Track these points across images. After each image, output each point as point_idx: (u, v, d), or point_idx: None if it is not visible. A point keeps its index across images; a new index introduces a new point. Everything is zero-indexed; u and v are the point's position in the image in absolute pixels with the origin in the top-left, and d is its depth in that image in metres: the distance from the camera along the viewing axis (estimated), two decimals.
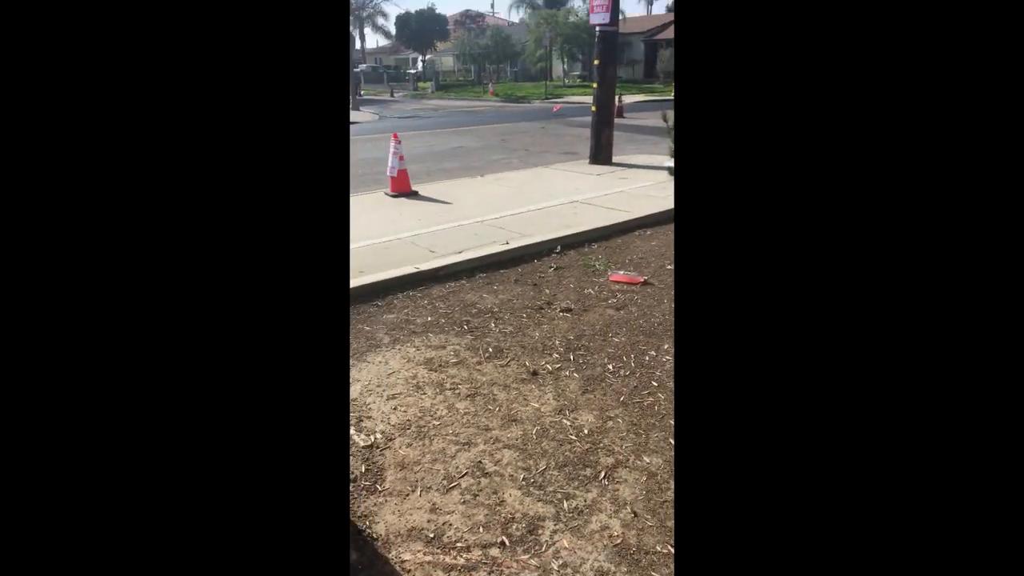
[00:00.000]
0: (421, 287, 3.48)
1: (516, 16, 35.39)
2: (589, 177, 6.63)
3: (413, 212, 5.13)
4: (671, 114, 4.02)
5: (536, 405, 2.25)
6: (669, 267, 3.75)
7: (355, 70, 23.85)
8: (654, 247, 4.19)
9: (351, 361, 2.63)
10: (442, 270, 3.67)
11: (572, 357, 2.62)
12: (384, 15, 37.82)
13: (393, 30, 39.79)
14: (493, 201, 5.47)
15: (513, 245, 4.10)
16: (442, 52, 42.59)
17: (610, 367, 2.52)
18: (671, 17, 30.29)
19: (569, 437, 2.05)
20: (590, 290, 3.41)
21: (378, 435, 2.08)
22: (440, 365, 2.57)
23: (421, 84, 35.59)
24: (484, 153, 9.20)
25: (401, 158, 5.78)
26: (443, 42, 41.55)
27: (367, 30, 39.26)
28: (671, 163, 4.16)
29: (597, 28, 7.00)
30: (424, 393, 2.34)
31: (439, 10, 40.98)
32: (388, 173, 5.83)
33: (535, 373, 2.48)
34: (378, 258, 3.87)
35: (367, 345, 2.78)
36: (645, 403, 2.24)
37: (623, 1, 36.49)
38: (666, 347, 2.68)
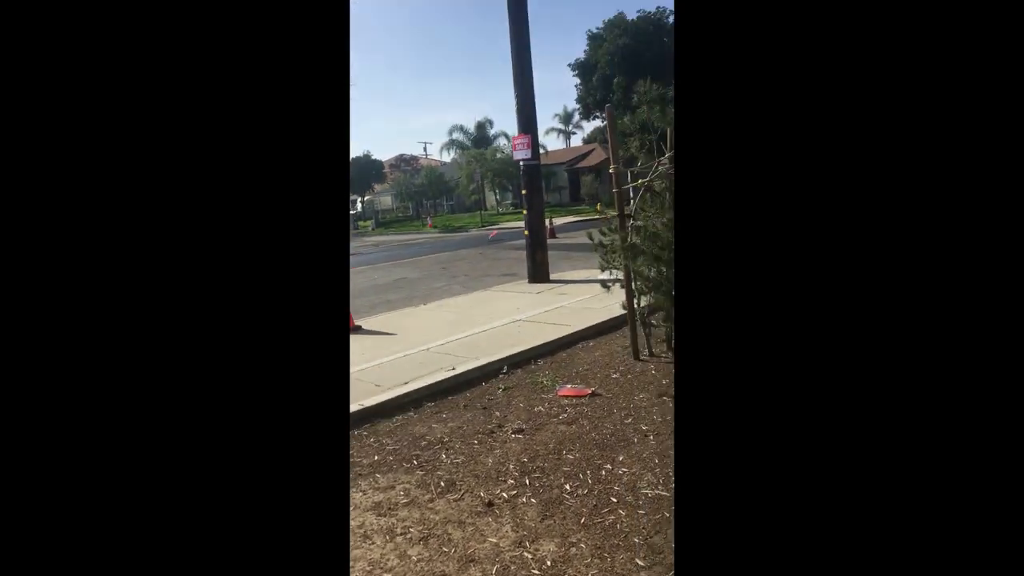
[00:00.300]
0: (367, 424, 3.34)
1: (448, 156, 38.27)
2: (529, 296, 6.85)
3: (357, 347, 5.06)
4: (595, 232, 4.31)
5: (494, 540, 2.11)
6: (615, 376, 3.80)
7: None
8: (598, 357, 4.27)
9: None
10: (388, 404, 3.57)
11: (527, 481, 2.52)
12: None
13: None
14: (438, 328, 5.51)
15: (460, 370, 4.07)
16: (380, 192, 44.82)
17: (567, 487, 2.44)
18: (589, 148, 33.65)
19: (532, 572, 1.91)
20: (540, 407, 3.38)
21: None
22: (389, 508, 2.40)
23: (362, 223, 36.88)
24: (426, 282, 9.40)
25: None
26: (380, 184, 43.90)
27: None
28: (603, 276, 4.39)
29: (521, 163, 7.66)
30: (373, 543, 2.16)
31: (375, 155, 43.75)
32: None
33: (490, 504, 2.36)
34: None
35: None
36: (607, 522, 2.15)
37: (544, 136, 40.08)
38: (621, 459, 2.64)
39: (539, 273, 7.73)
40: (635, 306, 4.03)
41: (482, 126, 37.30)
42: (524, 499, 2.37)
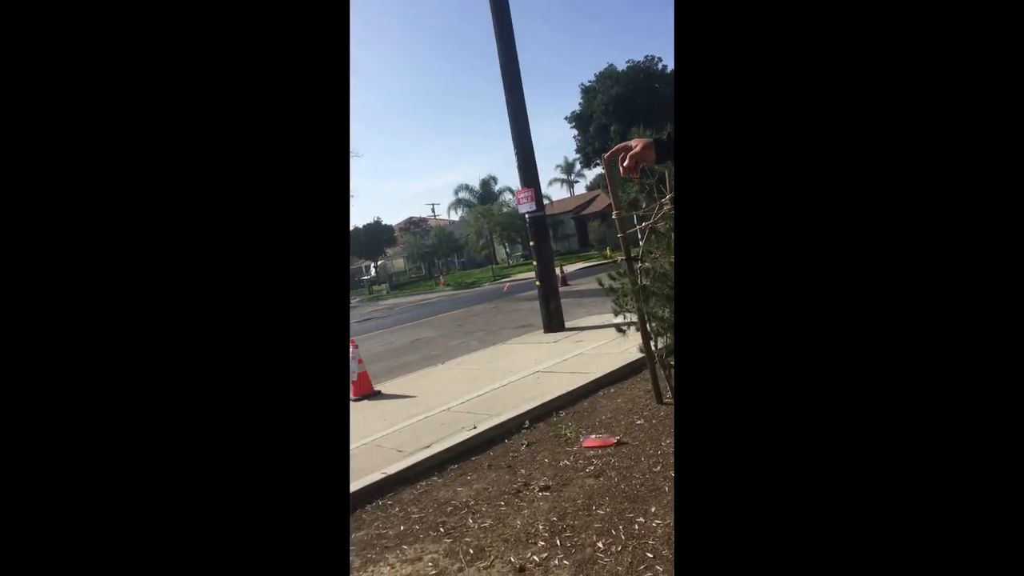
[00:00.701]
0: (390, 493, 3.27)
1: (456, 215, 39.14)
2: (546, 346, 6.81)
3: (376, 413, 5.03)
4: (605, 277, 4.32)
5: None
6: (639, 422, 3.72)
7: None
8: (620, 404, 4.18)
9: None
10: (411, 470, 3.50)
11: (558, 542, 2.43)
12: None
13: None
14: (457, 386, 5.47)
15: (482, 428, 4.01)
16: (392, 256, 45.65)
17: (600, 545, 2.34)
18: (593, 194, 34.23)
19: None
20: (565, 461, 3.29)
21: None
22: None
23: (375, 287, 37.38)
24: (442, 340, 9.41)
25: (360, 361, 5.83)
26: (392, 248, 44.78)
27: None
28: (618, 320, 4.37)
29: (527, 216, 7.80)
30: None
31: (385, 221, 44.90)
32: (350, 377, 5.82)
33: (522, 570, 2.27)
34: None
35: None
36: None
37: (548, 187, 40.85)
38: (653, 510, 2.54)
39: (554, 322, 7.71)
40: (652, 348, 3.98)
41: (487, 183, 38.27)
42: (556, 561, 2.28)
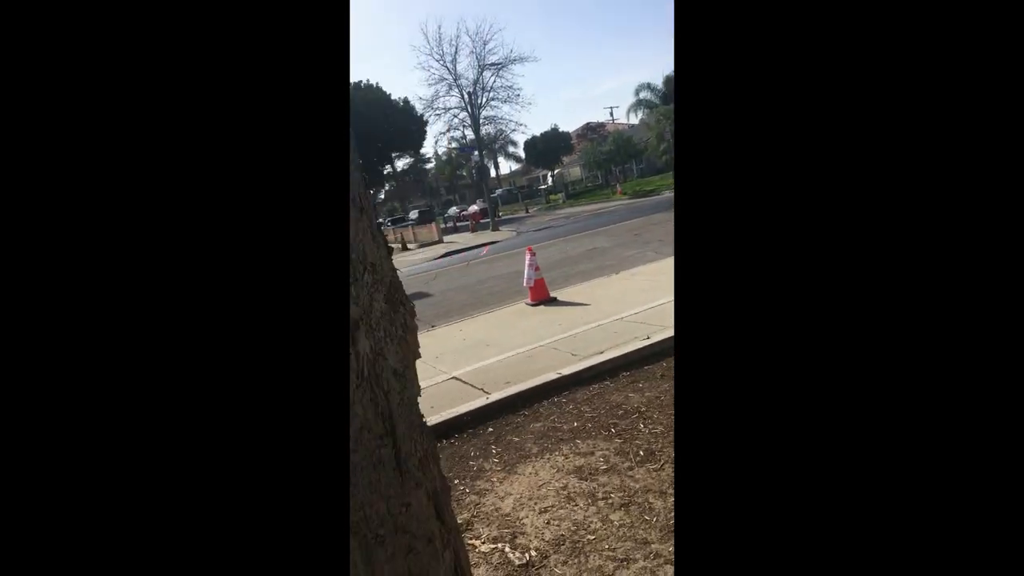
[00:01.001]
0: (566, 392, 3.48)
1: (635, 118, 36.99)
2: None
3: (553, 318, 5.28)
4: None
5: None
6: None
7: (492, 195, 26.25)
8: None
9: (503, 473, 2.66)
10: (584, 372, 3.67)
11: None
12: (513, 143, 41.95)
13: (522, 154, 43.72)
14: (631, 297, 5.45)
15: (654, 339, 3.99)
16: (569, 164, 45.44)
17: None
18: None
19: None
20: None
21: (533, 552, 2.03)
22: (590, 473, 2.49)
23: (552, 196, 37.90)
24: (618, 251, 9.32)
25: (537, 268, 6.08)
26: (568, 156, 44.47)
27: (500, 159, 43.62)
28: None
29: None
30: (576, 504, 2.27)
31: (562, 128, 44.40)
32: (525, 284, 6.15)
33: None
34: (523, 367, 3.99)
35: (517, 456, 2.81)
36: None
37: None
38: None
39: None
40: None
41: (671, 80, 35.09)
42: None
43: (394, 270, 1.33)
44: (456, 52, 35.83)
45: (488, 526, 2.27)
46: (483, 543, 2.16)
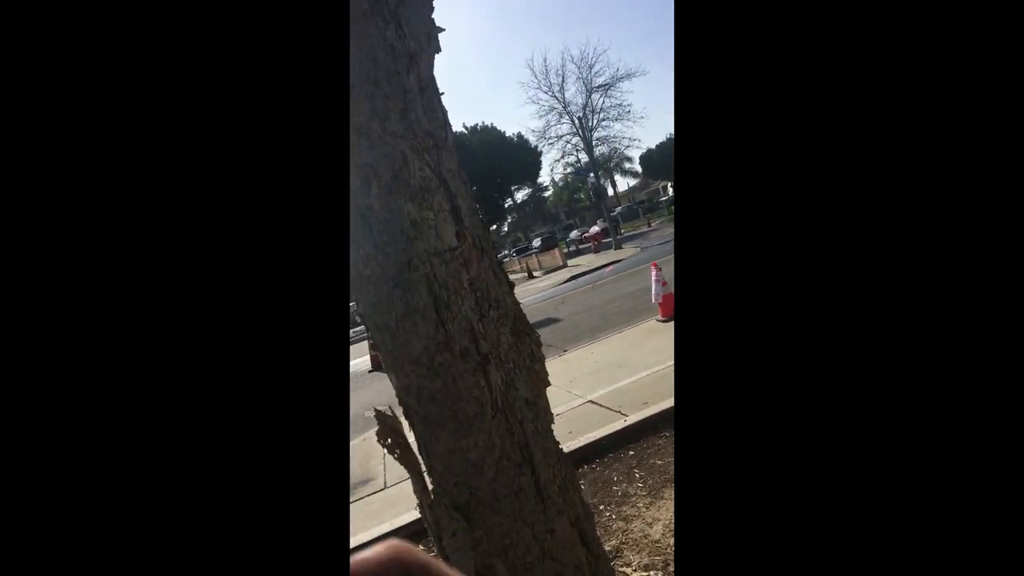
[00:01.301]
0: None
1: None
2: None
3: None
4: None
5: None
6: None
7: (612, 214, 26.01)
8: None
9: (649, 498, 2.58)
10: None
11: None
12: (628, 159, 41.39)
13: (639, 168, 42.92)
14: None
15: None
16: None
17: None
18: None
19: None
20: None
21: None
22: None
23: (671, 208, 36.55)
24: None
25: (664, 283, 5.89)
26: None
27: (616, 176, 43.18)
28: None
29: None
30: None
31: None
32: (654, 300, 5.97)
33: None
34: (659, 386, 3.87)
35: (662, 480, 2.71)
36: None
37: None
38: None
39: None
40: None
41: None
42: None
43: (517, 303, 1.39)
44: (563, 80, 36.59)
45: (638, 553, 2.21)
46: (634, 571, 2.11)
